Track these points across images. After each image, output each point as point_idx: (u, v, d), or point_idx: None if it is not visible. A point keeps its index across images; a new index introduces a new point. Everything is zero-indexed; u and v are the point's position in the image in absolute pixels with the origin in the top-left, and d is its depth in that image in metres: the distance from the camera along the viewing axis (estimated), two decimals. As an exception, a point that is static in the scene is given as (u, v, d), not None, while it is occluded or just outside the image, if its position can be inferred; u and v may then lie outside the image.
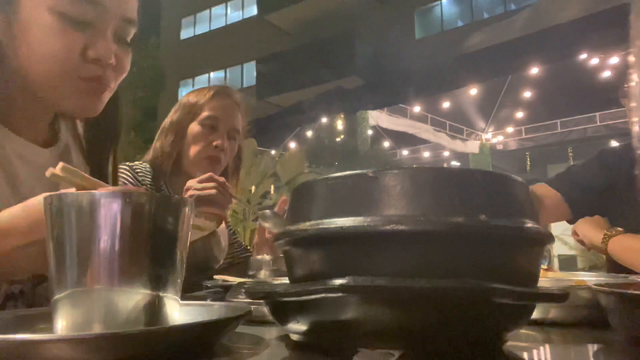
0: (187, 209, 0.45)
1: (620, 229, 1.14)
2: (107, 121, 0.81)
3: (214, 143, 1.31)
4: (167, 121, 1.37)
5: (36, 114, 0.74)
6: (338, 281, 0.33)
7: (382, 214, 0.36)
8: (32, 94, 0.69)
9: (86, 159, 0.84)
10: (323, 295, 0.34)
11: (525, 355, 0.42)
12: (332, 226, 0.37)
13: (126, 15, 0.70)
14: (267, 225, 1.36)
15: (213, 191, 1.10)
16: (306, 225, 0.39)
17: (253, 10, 16.54)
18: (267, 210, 1.42)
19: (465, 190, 0.37)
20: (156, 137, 1.38)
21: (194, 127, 1.33)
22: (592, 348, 0.45)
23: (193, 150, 1.32)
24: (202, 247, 1.20)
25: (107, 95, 0.72)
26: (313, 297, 0.35)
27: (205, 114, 1.33)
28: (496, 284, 0.33)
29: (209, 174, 1.13)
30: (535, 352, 0.44)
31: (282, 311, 0.42)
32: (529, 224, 0.38)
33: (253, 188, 4.77)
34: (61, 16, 0.64)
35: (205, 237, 1.17)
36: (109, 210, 0.41)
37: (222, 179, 1.14)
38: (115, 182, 0.85)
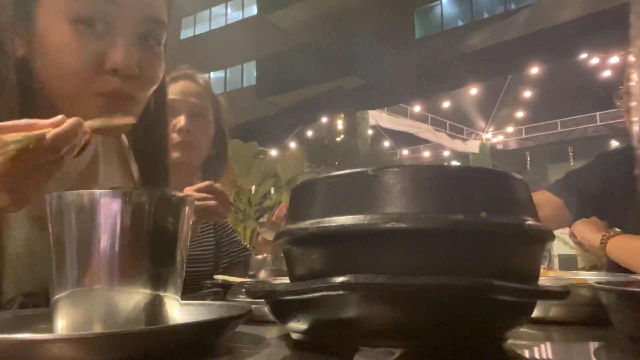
0: (187, 209, 0.44)
1: (618, 230, 1.14)
2: (155, 132, 0.75)
3: (177, 127, 1.25)
4: None
5: None
6: (339, 279, 0.33)
7: (382, 212, 0.36)
8: (51, 111, 0.63)
9: (140, 174, 0.79)
10: (324, 293, 0.34)
11: (526, 353, 0.42)
12: (332, 224, 0.37)
13: (151, 15, 0.63)
14: (266, 235, 1.36)
15: (213, 203, 1.07)
16: (306, 223, 0.39)
17: (253, 10, 16.54)
18: (265, 221, 1.42)
19: (466, 188, 0.37)
20: None
21: None
22: (593, 346, 0.45)
23: None
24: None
25: (137, 110, 0.65)
26: (314, 295, 0.35)
27: None
28: (497, 281, 0.33)
29: (208, 182, 1.10)
30: (536, 350, 0.44)
31: (283, 310, 0.42)
32: (529, 222, 0.38)
33: (253, 188, 4.77)
34: (77, 23, 0.60)
35: None
36: (109, 210, 0.40)
37: (220, 186, 1.11)
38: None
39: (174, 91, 1.31)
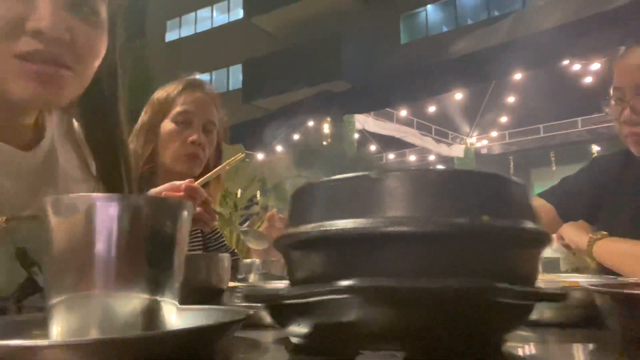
0: (185, 212, 0.44)
1: (605, 232, 1.15)
2: (103, 112, 0.72)
3: (190, 139, 1.26)
4: (138, 123, 1.33)
5: (3, 112, 0.64)
6: (345, 282, 0.33)
7: (384, 215, 0.36)
8: None
9: (94, 158, 0.75)
10: (329, 297, 0.34)
11: (522, 354, 0.42)
12: (334, 228, 0.37)
13: None
14: (250, 244, 1.35)
15: (197, 209, 1.06)
16: (308, 227, 0.39)
17: (239, 13, 16.51)
18: (247, 229, 1.42)
19: (468, 192, 0.37)
20: (129, 141, 1.34)
21: (167, 125, 1.28)
22: (587, 347, 0.46)
23: (169, 149, 1.27)
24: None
25: (71, 82, 0.61)
26: (318, 299, 0.35)
27: (177, 109, 1.28)
28: (501, 284, 0.33)
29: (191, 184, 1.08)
30: (532, 351, 0.44)
31: (283, 314, 0.41)
32: (530, 225, 0.38)
33: (239, 192, 4.75)
34: None
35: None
36: (106, 214, 0.40)
37: (204, 194, 1.09)
38: (130, 180, 0.76)
39: (186, 100, 1.30)
